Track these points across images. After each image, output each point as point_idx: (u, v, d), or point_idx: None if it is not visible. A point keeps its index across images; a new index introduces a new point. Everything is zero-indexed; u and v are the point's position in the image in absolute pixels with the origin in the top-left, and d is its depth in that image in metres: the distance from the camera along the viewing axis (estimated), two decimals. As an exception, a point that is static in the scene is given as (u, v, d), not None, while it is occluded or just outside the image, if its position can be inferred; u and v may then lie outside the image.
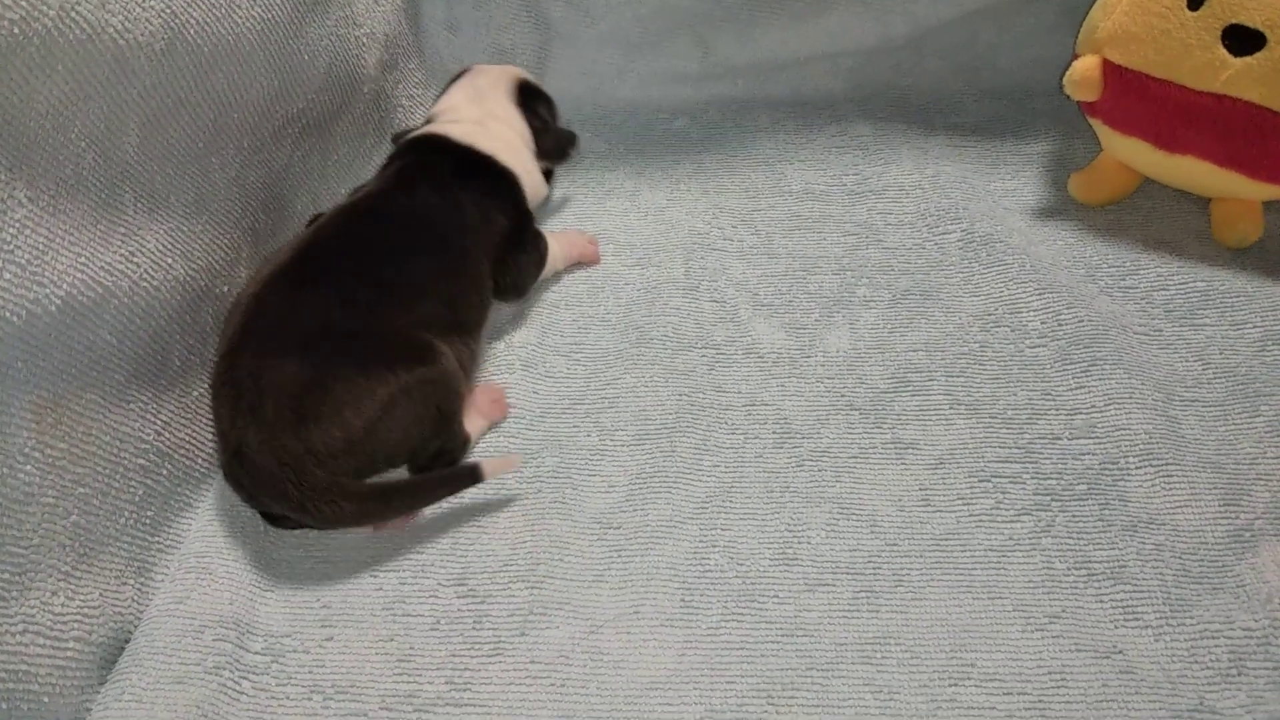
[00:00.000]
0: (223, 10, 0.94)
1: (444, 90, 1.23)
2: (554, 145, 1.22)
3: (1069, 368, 1.02)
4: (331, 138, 1.17)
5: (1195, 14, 1.04)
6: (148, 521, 0.90)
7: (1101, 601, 0.84)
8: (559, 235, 1.18)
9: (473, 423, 1.00)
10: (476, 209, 1.07)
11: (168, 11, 0.86)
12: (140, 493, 0.89)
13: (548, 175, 1.25)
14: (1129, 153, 1.16)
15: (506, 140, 1.15)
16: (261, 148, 1.06)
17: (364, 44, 1.22)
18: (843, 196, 1.26)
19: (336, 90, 1.18)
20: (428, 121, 1.17)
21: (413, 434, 0.92)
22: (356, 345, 0.91)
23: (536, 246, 1.14)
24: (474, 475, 0.92)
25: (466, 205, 1.06)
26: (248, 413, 0.87)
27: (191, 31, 0.89)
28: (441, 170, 1.08)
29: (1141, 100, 1.10)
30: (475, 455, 1.00)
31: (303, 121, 1.12)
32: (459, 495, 0.94)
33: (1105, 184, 1.20)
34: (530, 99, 1.22)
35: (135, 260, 0.88)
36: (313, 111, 1.13)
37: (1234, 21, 1.02)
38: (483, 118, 1.16)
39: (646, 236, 1.23)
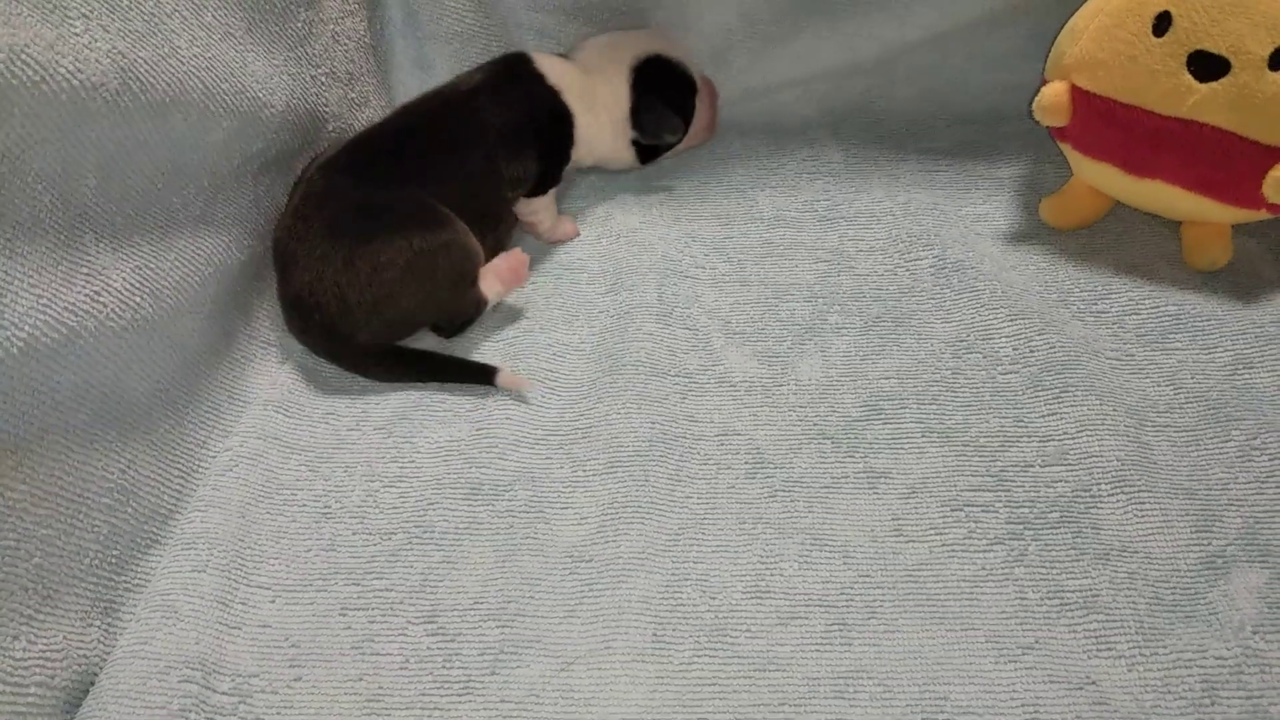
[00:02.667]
0: (167, 49, 0.93)
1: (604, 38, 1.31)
2: (649, 123, 1.27)
3: (1041, 394, 1.02)
4: (293, 175, 1.16)
5: (1160, 40, 1.05)
6: (113, 560, 0.89)
7: (1075, 632, 0.84)
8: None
9: (489, 285, 1.12)
10: (506, 126, 1.18)
11: (115, 51, 0.86)
12: (105, 531, 0.88)
13: (648, 153, 1.31)
14: (1098, 177, 1.16)
15: (595, 96, 1.25)
16: (223, 186, 1.06)
17: (323, 83, 1.22)
18: (814, 223, 1.26)
19: (296, 129, 1.17)
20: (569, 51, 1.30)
21: (429, 295, 1.09)
22: (377, 218, 1.06)
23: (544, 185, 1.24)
24: (487, 375, 1.07)
25: (498, 122, 1.18)
26: (290, 278, 1.07)
27: (142, 70, 0.89)
28: (507, 88, 1.21)
29: (1109, 125, 1.11)
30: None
31: (263, 159, 1.12)
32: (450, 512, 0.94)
33: (1076, 208, 1.20)
34: (652, 71, 1.27)
35: (101, 300, 0.87)
36: (272, 150, 1.13)
37: (1198, 48, 1.03)
38: (594, 66, 1.26)
39: (619, 260, 1.23)
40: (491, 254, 1.17)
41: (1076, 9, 1.15)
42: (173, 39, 0.96)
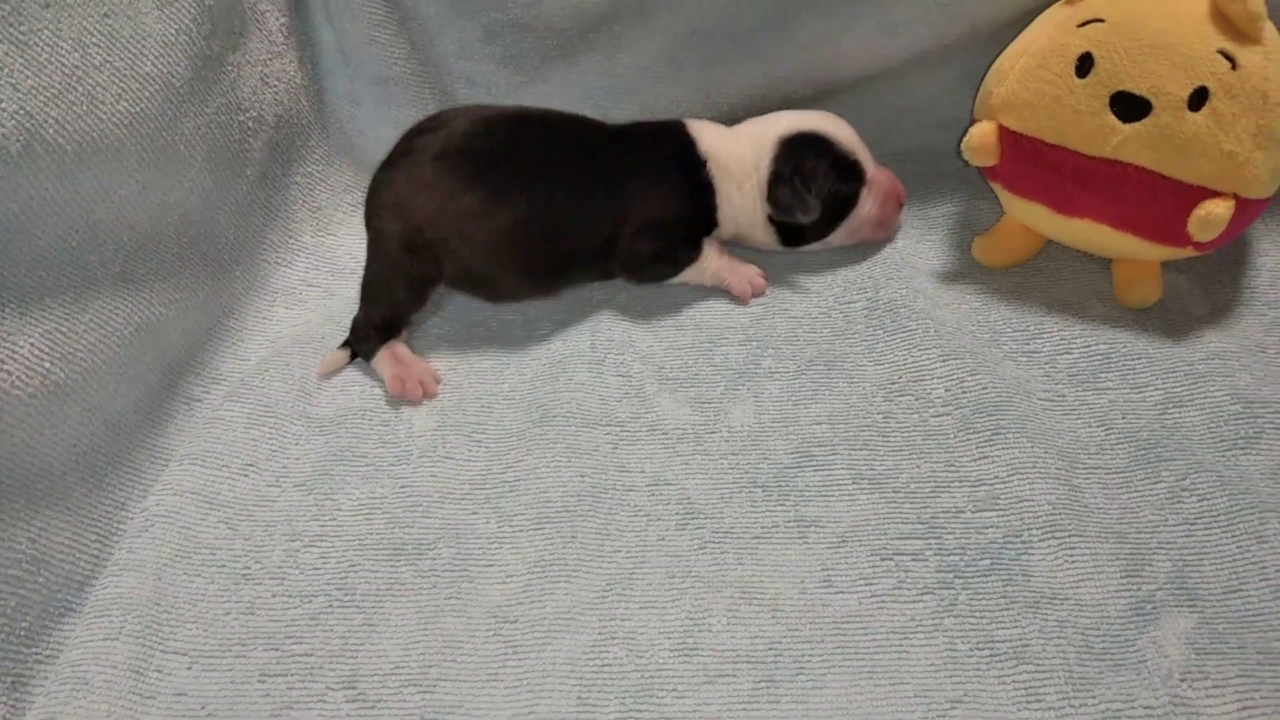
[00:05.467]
0: (84, 107, 0.91)
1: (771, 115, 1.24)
2: (780, 197, 1.17)
3: (972, 437, 1.01)
4: (215, 223, 1.14)
5: (1083, 81, 1.05)
6: (22, 633, 0.87)
7: (1004, 683, 0.83)
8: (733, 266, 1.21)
9: (382, 362, 1.13)
10: (640, 186, 1.17)
11: (22, 112, 0.84)
12: (12, 604, 0.86)
13: (789, 235, 1.22)
14: (1028, 216, 1.16)
15: (742, 165, 1.19)
16: (144, 242, 1.03)
17: (249, 128, 1.19)
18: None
19: (215, 174, 1.15)
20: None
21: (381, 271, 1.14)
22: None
23: (672, 255, 1.20)
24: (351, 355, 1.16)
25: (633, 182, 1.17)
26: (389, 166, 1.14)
27: (50, 131, 0.87)
28: (650, 150, 1.19)
29: (1037, 165, 1.11)
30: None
31: (181, 210, 1.09)
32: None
33: (1008, 247, 1.20)
34: (801, 146, 1.18)
35: (5, 368, 0.85)
36: (191, 199, 1.10)
37: (1120, 89, 1.03)
38: (748, 134, 1.20)
39: (552, 309, 1.21)
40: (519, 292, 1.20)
41: (1007, 45, 1.15)
42: (95, 93, 0.94)
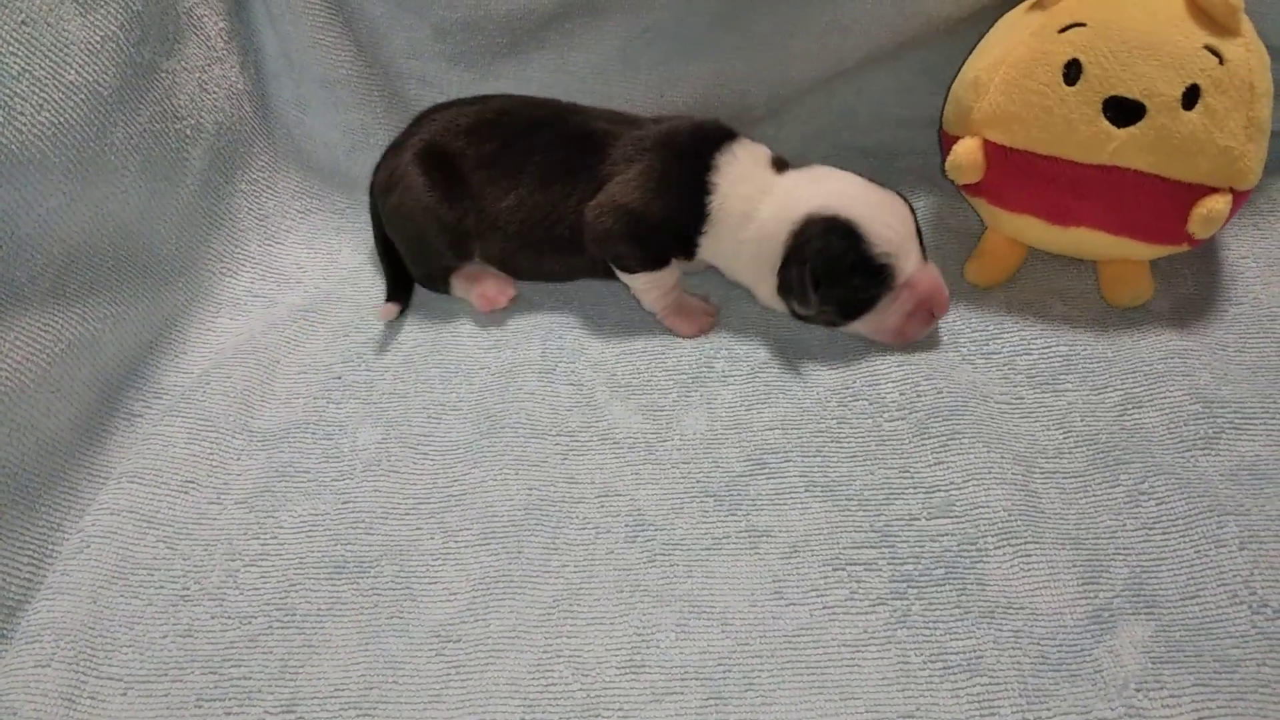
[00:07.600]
0: (0, 118, 0.88)
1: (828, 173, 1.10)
2: (784, 283, 1.06)
3: (927, 442, 0.99)
4: (154, 234, 1.11)
5: (1073, 89, 1.02)
6: (-53, 664, 0.84)
7: (957, 696, 0.81)
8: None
9: (463, 287, 1.21)
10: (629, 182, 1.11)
11: (-70, 124, 0.82)
12: (-63, 633, 0.83)
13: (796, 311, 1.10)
14: (1019, 230, 1.13)
15: (743, 217, 1.08)
16: (78, 255, 1.00)
17: (187, 137, 1.16)
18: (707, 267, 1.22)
19: (152, 185, 1.12)
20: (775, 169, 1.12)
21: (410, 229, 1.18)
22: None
23: (631, 247, 1.13)
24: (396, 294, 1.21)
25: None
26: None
27: (-39, 142, 0.84)
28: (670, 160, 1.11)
29: (1030, 178, 1.08)
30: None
31: (115, 221, 1.06)
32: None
33: (1000, 263, 1.16)
34: (823, 235, 1.03)
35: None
36: (125, 212, 1.07)
37: (1112, 94, 1.01)
38: (784, 191, 1.08)
39: (502, 318, 1.19)
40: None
41: (964, 41, 1.13)
42: (13, 104, 0.91)
